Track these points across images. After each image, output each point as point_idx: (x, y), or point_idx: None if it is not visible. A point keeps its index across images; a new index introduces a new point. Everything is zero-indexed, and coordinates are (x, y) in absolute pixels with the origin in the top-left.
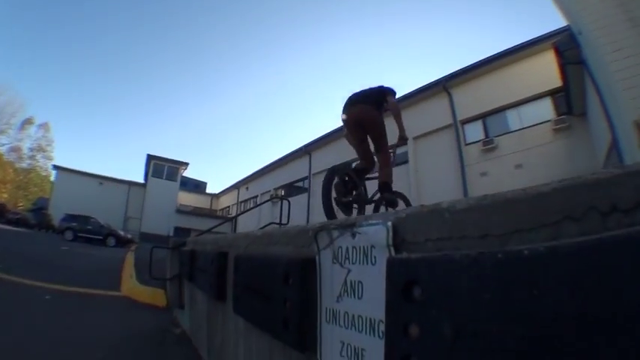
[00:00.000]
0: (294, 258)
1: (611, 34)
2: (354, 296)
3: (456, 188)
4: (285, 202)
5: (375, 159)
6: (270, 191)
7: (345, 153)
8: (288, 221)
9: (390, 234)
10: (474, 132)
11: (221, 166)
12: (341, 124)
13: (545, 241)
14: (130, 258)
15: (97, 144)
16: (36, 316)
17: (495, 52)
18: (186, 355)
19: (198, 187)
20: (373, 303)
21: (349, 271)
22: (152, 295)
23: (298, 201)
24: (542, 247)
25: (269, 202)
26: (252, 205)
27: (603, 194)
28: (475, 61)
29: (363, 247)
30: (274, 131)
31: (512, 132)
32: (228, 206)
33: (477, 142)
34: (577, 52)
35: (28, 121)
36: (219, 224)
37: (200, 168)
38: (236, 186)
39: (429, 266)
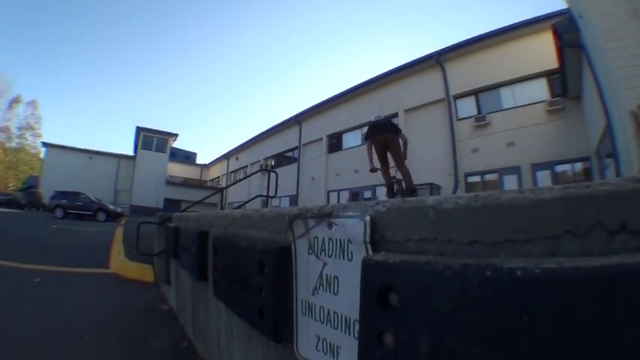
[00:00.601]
0: (268, 246)
1: (612, 21)
2: (330, 291)
3: (447, 163)
4: (272, 175)
5: (397, 173)
6: (260, 161)
7: (334, 124)
8: (275, 193)
9: (368, 230)
10: (467, 108)
11: (211, 136)
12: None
13: (540, 257)
14: (118, 233)
15: (86, 119)
16: (25, 300)
17: (493, 29)
18: (173, 333)
19: (188, 157)
20: (349, 301)
21: (325, 264)
22: (140, 271)
23: (288, 171)
24: (538, 270)
25: (259, 173)
26: (242, 175)
27: (613, 210)
28: (471, 37)
29: (340, 241)
30: (264, 101)
31: (505, 110)
32: (218, 177)
33: (469, 117)
34: (576, 35)
35: (15, 100)
36: (209, 196)
37: (190, 139)
38: (226, 156)
39: (407, 273)
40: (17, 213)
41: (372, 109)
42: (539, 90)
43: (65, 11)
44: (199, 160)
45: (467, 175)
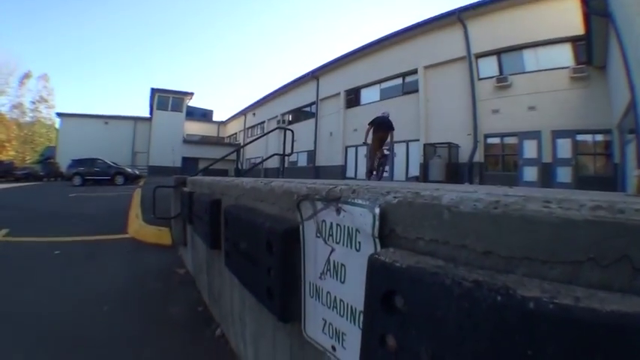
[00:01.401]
0: (276, 227)
1: None
2: (337, 278)
3: (466, 123)
4: (288, 132)
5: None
6: (277, 117)
7: (353, 79)
8: (292, 151)
9: (377, 224)
10: (488, 68)
11: (228, 93)
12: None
13: (557, 282)
14: (136, 197)
15: (100, 85)
16: (45, 274)
17: None
18: (189, 298)
19: (204, 115)
20: (356, 291)
21: (332, 249)
22: (157, 235)
23: (306, 126)
24: (552, 305)
25: (276, 129)
26: (259, 131)
27: None
28: None
29: (348, 228)
30: (281, 57)
31: (527, 73)
32: (236, 133)
33: (490, 77)
34: (604, 3)
35: (26, 76)
36: (228, 155)
37: (206, 97)
38: (243, 112)
39: (414, 281)
40: (36, 185)
41: (392, 64)
42: (564, 56)
43: None
44: (216, 118)
45: (486, 136)
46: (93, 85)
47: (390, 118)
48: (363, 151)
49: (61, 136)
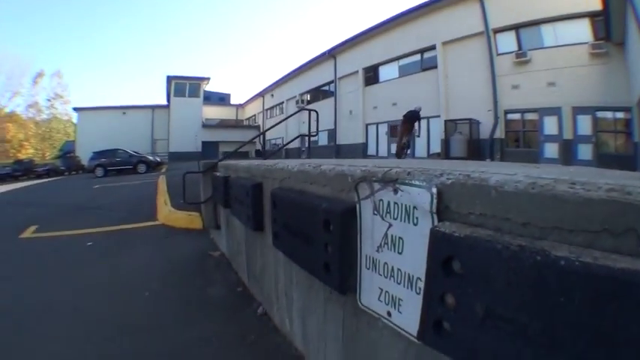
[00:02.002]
0: (334, 206)
1: None
2: (395, 250)
3: (486, 99)
4: (312, 113)
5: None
6: (295, 97)
7: (370, 57)
8: (317, 132)
9: (435, 201)
10: (507, 43)
11: (244, 76)
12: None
13: (580, 246)
14: (162, 183)
15: (116, 78)
16: (81, 265)
17: None
18: (227, 279)
19: (222, 99)
20: (413, 260)
21: (390, 225)
22: (188, 220)
23: (325, 105)
24: (577, 262)
25: (294, 109)
26: (278, 112)
27: None
28: None
29: (405, 206)
30: (298, 36)
31: (546, 48)
32: (254, 115)
33: (509, 53)
34: None
35: (39, 75)
36: (253, 139)
37: (223, 81)
38: (261, 94)
39: (470, 248)
40: (58, 180)
41: (409, 41)
42: (582, 31)
43: None
44: (234, 101)
45: (507, 112)
46: (108, 77)
47: (410, 93)
48: (383, 128)
49: (80, 130)
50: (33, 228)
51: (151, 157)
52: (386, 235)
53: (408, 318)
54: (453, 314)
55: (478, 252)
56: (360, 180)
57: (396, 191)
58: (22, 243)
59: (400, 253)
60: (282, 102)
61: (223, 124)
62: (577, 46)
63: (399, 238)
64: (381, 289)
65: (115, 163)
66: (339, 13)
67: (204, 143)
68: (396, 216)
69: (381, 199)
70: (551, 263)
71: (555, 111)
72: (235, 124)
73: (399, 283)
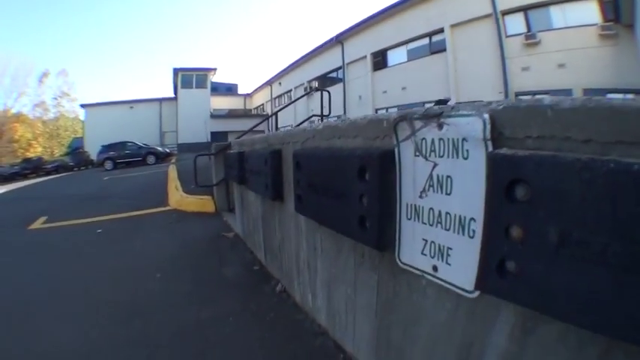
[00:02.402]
0: (370, 151)
1: None
2: (441, 192)
3: (496, 81)
4: (325, 94)
5: None
6: (303, 84)
7: (378, 42)
8: (330, 112)
9: (488, 127)
10: (516, 25)
11: (251, 65)
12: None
13: None
14: (172, 171)
15: (122, 71)
16: (90, 251)
17: None
18: (243, 258)
19: (230, 89)
20: (464, 199)
21: (435, 164)
22: (200, 204)
23: (333, 91)
24: None
25: (304, 98)
26: (286, 100)
27: None
28: None
29: (453, 140)
30: (304, 23)
31: (555, 30)
32: (262, 104)
33: (519, 34)
34: None
35: (45, 75)
36: (259, 124)
37: (230, 71)
38: (269, 82)
39: (537, 165)
40: (68, 175)
41: (417, 25)
42: (591, 12)
43: None
44: (241, 90)
45: (517, 94)
46: (115, 73)
47: (419, 77)
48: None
49: (88, 126)
50: (42, 219)
51: (160, 149)
52: (430, 176)
53: (459, 269)
54: (520, 248)
55: (547, 169)
56: (400, 119)
57: (440, 126)
58: (30, 233)
59: (448, 194)
60: (290, 90)
61: (232, 114)
62: (586, 27)
63: (447, 177)
64: (426, 241)
65: (124, 156)
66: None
67: (213, 134)
68: (441, 153)
69: (424, 138)
70: (624, 169)
71: (567, 93)
72: (244, 114)
73: (447, 230)
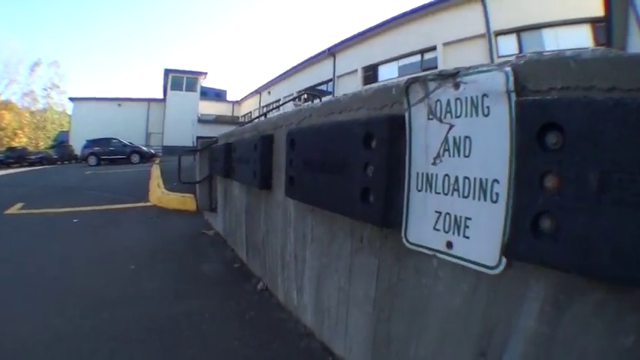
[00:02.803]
0: (378, 116)
1: None
2: (459, 155)
3: None
4: (317, 100)
5: None
6: (293, 94)
7: (370, 56)
8: None
9: (511, 79)
10: (508, 46)
11: (241, 73)
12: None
13: None
14: (155, 170)
15: (112, 68)
16: (64, 239)
17: None
18: (224, 255)
19: (219, 95)
20: (485, 160)
21: (451, 126)
22: (182, 201)
23: None
24: None
25: (291, 105)
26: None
27: None
28: None
29: (472, 98)
30: (296, 34)
31: (547, 52)
32: (250, 112)
33: (510, 56)
34: None
35: (36, 64)
36: (242, 124)
37: (220, 76)
38: (258, 91)
39: (568, 108)
40: (51, 168)
41: (410, 41)
42: (583, 37)
43: None
44: (230, 97)
45: None
46: (105, 69)
47: None
48: None
49: (74, 120)
50: (19, 205)
51: (145, 148)
52: (446, 139)
53: (479, 242)
54: (557, 199)
55: (578, 111)
56: (412, 81)
57: (457, 85)
58: (6, 217)
59: (467, 156)
60: (279, 99)
61: (219, 120)
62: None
63: (465, 137)
64: (439, 213)
65: (109, 152)
66: (340, 11)
67: (199, 138)
68: (458, 114)
69: (439, 100)
70: None
71: None
72: (231, 121)
73: (465, 197)
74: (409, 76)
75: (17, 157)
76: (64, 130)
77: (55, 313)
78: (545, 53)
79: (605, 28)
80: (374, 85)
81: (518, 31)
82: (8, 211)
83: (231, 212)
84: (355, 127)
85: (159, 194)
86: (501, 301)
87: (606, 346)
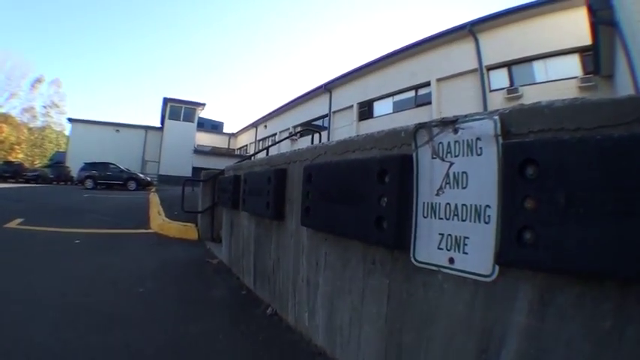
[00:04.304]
0: (391, 155)
1: None
2: (458, 186)
3: None
4: (316, 135)
5: None
6: (289, 129)
7: (365, 92)
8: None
9: (499, 125)
10: (500, 79)
11: (239, 106)
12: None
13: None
14: (154, 198)
15: (113, 96)
16: (67, 260)
17: (527, 2)
18: (230, 282)
19: (215, 127)
20: (478, 190)
21: (451, 164)
22: (183, 230)
23: (318, 138)
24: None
25: (287, 141)
26: (270, 143)
27: None
28: (505, 8)
29: (467, 141)
30: (293, 70)
31: (537, 84)
32: (246, 145)
33: (501, 89)
34: (610, 12)
35: (38, 80)
36: (239, 161)
37: (217, 110)
38: (254, 125)
39: (542, 147)
40: (47, 187)
41: (403, 77)
42: (572, 66)
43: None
44: (227, 129)
45: None
46: (104, 94)
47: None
48: None
49: (72, 142)
50: (18, 220)
51: (142, 176)
52: (447, 175)
53: (476, 256)
54: (535, 216)
55: (550, 148)
56: (420, 127)
57: (456, 131)
58: (6, 231)
59: (464, 188)
60: (275, 133)
61: (215, 152)
62: (567, 80)
63: (463, 173)
64: (442, 235)
65: (106, 177)
66: (337, 49)
67: (194, 169)
68: (457, 153)
69: (441, 142)
70: (607, 140)
71: None
72: (227, 153)
73: (463, 220)
74: (415, 124)
75: (13, 171)
76: (61, 150)
77: (66, 329)
78: (524, 104)
79: (592, 56)
80: (385, 129)
81: (509, 64)
82: (7, 225)
83: (238, 242)
84: (371, 164)
85: (160, 222)
86: (497, 304)
87: (588, 331)
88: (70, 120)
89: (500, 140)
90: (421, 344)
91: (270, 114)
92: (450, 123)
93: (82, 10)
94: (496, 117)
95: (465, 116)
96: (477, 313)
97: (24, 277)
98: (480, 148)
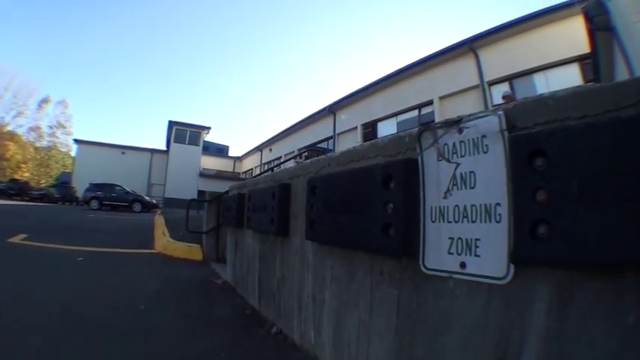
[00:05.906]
0: (395, 160)
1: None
2: (466, 187)
3: None
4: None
5: None
6: (294, 152)
7: (369, 113)
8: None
9: (504, 120)
10: (501, 94)
11: (244, 129)
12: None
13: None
14: (159, 219)
15: (119, 118)
16: (70, 276)
17: (524, 14)
18: (234, 302)
19: (221, 150)
20: (488, 188)
21: (458, 164)
22: (187, 250)
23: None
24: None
25: (292, 162)
26: (275, 167)
27: None
28: (502, 23)
29: (473, 140)
30: (297, 93)
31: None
32: (252, 168)
33: (503, 103)
34: (606, 18)
35: (45, 101)
36: (241, 184)
37: (222, 133)
38: (259, 148)
39: (549, 137)
40: (52, 206)
41: (406, 97)
42: (572, 75)
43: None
44: (232, 153)
45: None
46: (110, 115)
47: None
48: None
49: (78, 163)
50: (22, 236)
51: (147, 198)
52: (454, 176)
53: (488, 257)
54: (548, 208)
55: (558, 136)
56: (424, 129)
57: (461, 130)
58: (10, 246)
59: (472, 188)
60: (280, 157)
61: (220, 175)
62: None
63: (470, 172)
64: (452, 239)
65: (111, 198)
66: (341, 72)
67: (200, 192)
68: (463, 153)
69: (446, 143)
70: (614, 120)
71: None
72: (232, 176)
73: (473, 221)
74: (420, 125)
75: (19, 189)
76: (67, 171)
77: (63, 341)
78: (527, 97)
79: (592, 64)
80: (389, 136)
81: (510, 78)
82: (11, 240)
83: (242, 260)
84: (375, 170)
85: (164, 242)
86: (513, 307)
87: (612, 326)
88: (76, 141)
89: (507, 135)
90: (433, 356)
91: (275, 137)
92: (455, 123)
93: (89, 38)
94: (500, 112)
95: (469, 115)
96: (493, 319)
97: (23, 289)
98: (486, 145)
